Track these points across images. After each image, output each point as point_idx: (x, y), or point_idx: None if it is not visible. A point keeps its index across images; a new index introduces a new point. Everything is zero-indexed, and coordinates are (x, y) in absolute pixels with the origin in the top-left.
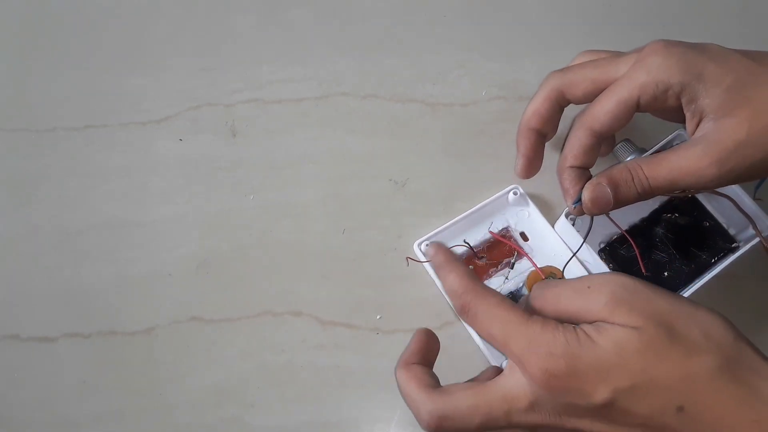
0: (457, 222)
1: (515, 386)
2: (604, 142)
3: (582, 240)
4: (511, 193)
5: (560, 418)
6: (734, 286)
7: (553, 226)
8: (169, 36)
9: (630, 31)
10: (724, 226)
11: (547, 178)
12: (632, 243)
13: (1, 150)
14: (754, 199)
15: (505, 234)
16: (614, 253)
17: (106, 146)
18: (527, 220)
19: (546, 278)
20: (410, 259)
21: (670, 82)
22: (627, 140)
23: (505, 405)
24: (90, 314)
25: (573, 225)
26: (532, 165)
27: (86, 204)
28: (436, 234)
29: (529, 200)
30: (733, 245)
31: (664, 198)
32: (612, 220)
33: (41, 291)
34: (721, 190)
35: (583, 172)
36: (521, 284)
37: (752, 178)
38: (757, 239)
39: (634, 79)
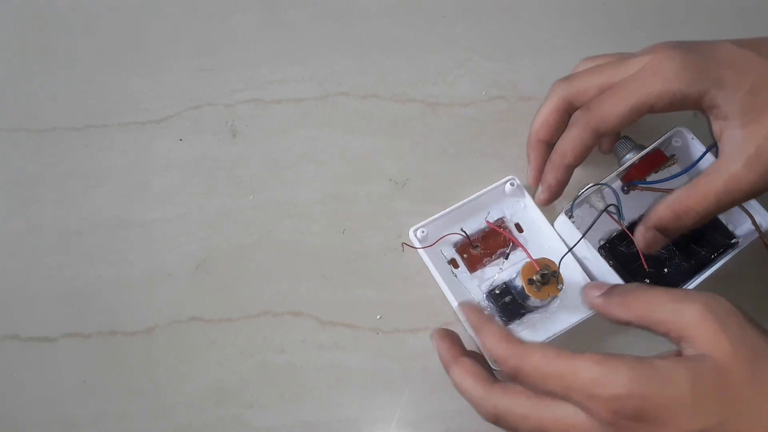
0: (453, 210)
1: (573, 414)
2: (607, 139)
3: (581, 235)
4: (508, 183)
5: None
6: (734, 286)
7: (552, 224)
8: (169, 36)
9: (630, 31)
10: (723, 222)
11: None
12: (633, 239)
13: (1, 150)
14: None
15: (500, 225)
16: (614, 250)
17: (106, 146)
18: (523, 211)
19: (540, 269)
20: (405, 245)
21: (687, 92)
22: (626, 137)
23: (558, 427)
24: (90, 314)
25: (573, 222)
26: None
27: (86, 204)
28: (432, 221)
29: (526, 192)
30: (732, 241)
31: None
32: (612, 217)
33: (41, 291)
34: None
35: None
36: (515, 275)
37: None
38: (756, 235)
39: (648, 86)
